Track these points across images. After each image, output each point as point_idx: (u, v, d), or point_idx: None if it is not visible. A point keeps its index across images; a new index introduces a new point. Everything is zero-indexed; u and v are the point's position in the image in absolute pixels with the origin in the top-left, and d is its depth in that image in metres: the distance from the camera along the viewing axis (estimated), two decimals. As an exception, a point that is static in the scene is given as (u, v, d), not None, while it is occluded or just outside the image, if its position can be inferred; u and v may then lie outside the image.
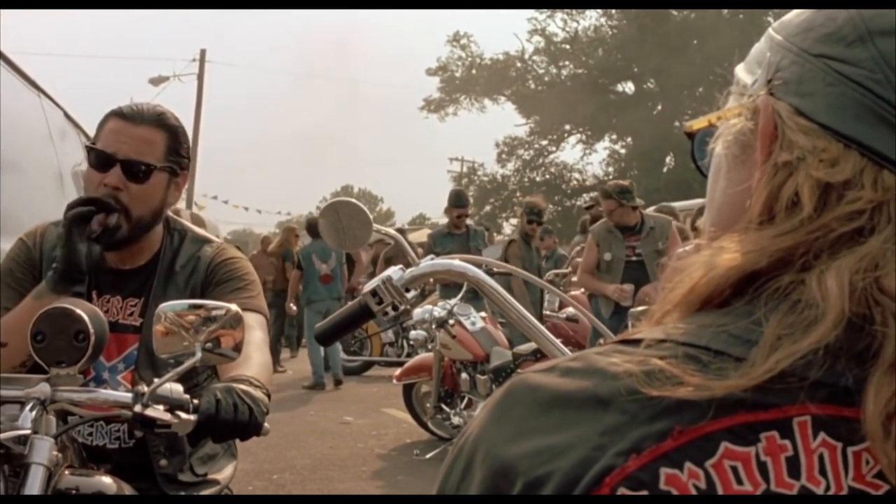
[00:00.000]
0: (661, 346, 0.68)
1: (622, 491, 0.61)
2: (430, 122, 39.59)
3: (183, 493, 2.19)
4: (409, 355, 10.74)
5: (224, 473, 2.33)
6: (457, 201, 9.16)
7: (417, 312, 6.81)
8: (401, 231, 14.77)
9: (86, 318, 1.64)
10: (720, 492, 0.61)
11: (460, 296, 6.88)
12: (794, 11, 0.78)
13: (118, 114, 2.18)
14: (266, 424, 1.72)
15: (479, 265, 1.71)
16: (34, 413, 1.59)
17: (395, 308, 1.64)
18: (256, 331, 2.07)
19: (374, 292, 1.63)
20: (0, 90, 3.95)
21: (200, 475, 2.26)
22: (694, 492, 0.61)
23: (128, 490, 1.80)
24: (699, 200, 12.00)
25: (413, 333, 7.29)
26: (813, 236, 0.68)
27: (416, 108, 40.02)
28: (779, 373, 0.63)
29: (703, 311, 0.72)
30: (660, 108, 36.40)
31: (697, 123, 0.87)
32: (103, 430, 2.19)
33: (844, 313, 0.64)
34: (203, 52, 29.54)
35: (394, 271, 1.64)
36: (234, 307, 1.72)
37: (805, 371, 0.63)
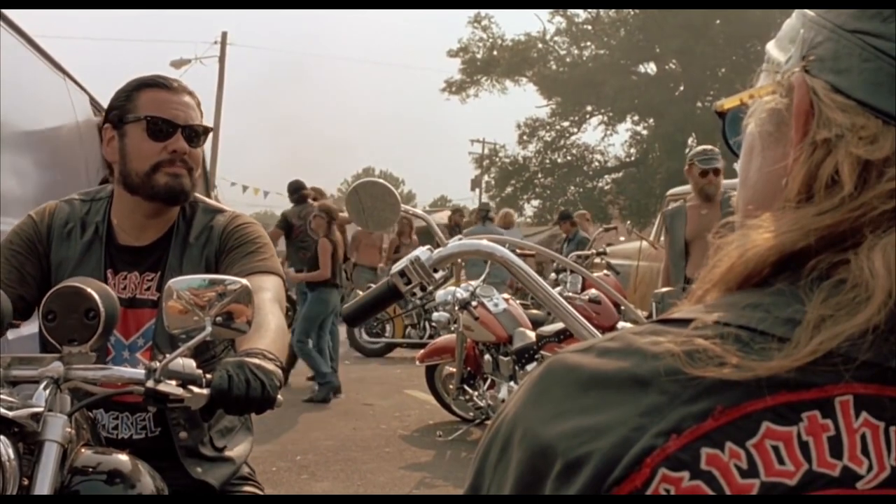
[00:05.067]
0: (704, 326, 0.67)
1: (663, 472, 0.61)
2: (452, 104, 39.48)
3: (200, 469, 2.20)
4: (431, 337, 10.76)
5: (241, 449, 2.34)
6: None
7: (440, 294, 6.80)
8: (456, 212, 14.69)
9: (95, 295, 1.65)
10: (762, 472, 0.60)
11: (482, 277, 6.88)
12: None
13: (154, 84, 2.24)
14: (279, 397, 1.72)
15: (503, 244, 1.71)
16: (48, 391, 1.60)
17: (423, 288, 1.63)
18: (270, 292, 2.09)
19: (402, 273, 1.63)
20: (28, 75, 3.97)
21: (219, 448, 2.27)
22: (735, 472, 0.60)
23: (144, 469, 1.80)
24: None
25: (436, 315, 7.28)
26: (854, 215, 0.67)
27: (438, 90, 39.95)
28: (823, 354, 0.62)
29: (742, 290, 0.71)
30: (682, 89, 36.12)
31: (729, 102, 0.86)
32: (129, 421, 2.20)
33: (892, 294, 0.63)
34: (224, 35, 29.56)
35: (421, 252, 1.64)
36: (243, 281, 1.72)
37: (850, 351, 0.62)
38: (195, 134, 2.23)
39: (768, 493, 0.60)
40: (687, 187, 9.84)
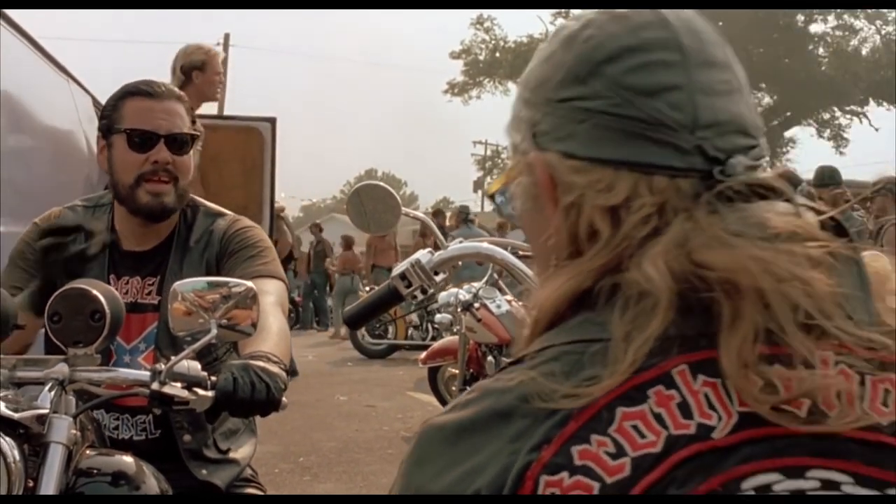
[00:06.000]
0: (542, 353, 0.76)
1: (544, 478, 0.68)
2: (454, 106, 39.40)
3: (205, 471, 2.21)
4: (433, 338, 10.75)
5: (245, 451, 2.35)
6: (818, 179, 7.20)
7: (443, 296, 6.77)
8: (437, 214, 14.76)
9: (101, 297, 1.65)
10: (628, 449, 0.68)
11: (485, 279, 6.87)
12: (529, 66, 0.88)
13: (137, 92, 2.20)
14: (284, 399, 1.73)
15: (505, 247, 1.72)
16: (53, 393, 1.60)
17: (423, 291, 1.64)
18: (272, 296, 2.08)
19: (402, 275, 1.64)
20: (32, 76, 3.98)
21: (223, 451, 2.27)
22: (606, 457, 0.68)
23: (149, 470, 1.81)
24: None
25: (438, 317, 7.27)
26: (619, 249, 0.78)
27: (440, 92, 39.89)
28: (642, 357, 0.71)
29: (554, 329, 0.80)
30: (684, 90, 36.08)
31: (493, 186, 0.99)
32: (129, 423, 2.20)
33: (673, 290, 0.72)
34: (227, 37, 29.52)
35: (422, 254, 1.65)
36: (248, 283, 1.73)
37: (668, 334, 0.72)
38: (181, 142, 2.19)
39: (640, 465, 0.67)
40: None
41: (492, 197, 1.00)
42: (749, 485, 0.66)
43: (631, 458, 0.68)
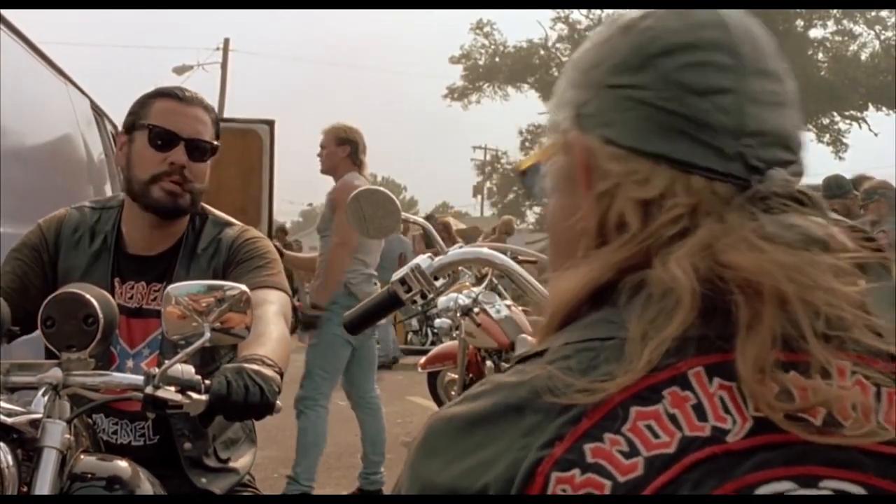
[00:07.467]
0: (558, 350, 0.75)
1: (555, 475, 0.67)
2: (454, 110, 39.34)
3: (205, 480, 2.21)
4: (433, 343, 10.74)
5: (245, 461, 2.35)
6: (826, 191, 7.02)
7: (442, 301, 6.77)
8: (429, 218, 14.81)
9: (94, 301, 1.64)
10: (642, 449, 0.68)
11: (484, 284, 6.86)
12: (582, 47, 0.88)
13: (168, 94, 2.22)
14: (278, 402, 1.72)
15: (504, 252, 1.71)
16: (47, 398, 1.60)
17: (423, 296, 1.64)
18: (275, 306, 2.08)
19: (402, 280, 1.63)
20: (30, 79, 3.97)
21: (223, 460, 2.27)
22: (619, 456, 0.67)
23: (144, 475, 1.80)
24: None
25: (438, 321, 7.27)
26: (646, 245, 0.77)
27: (440, 96, 39.93)
28: (658, 357, 0.70)
29: (571, 325, 0.79)
30: (684, 95, 36.12)
31: (525, 163, 1.02)
32: (128, 428, 2.20)
33: (696, 291, 0.71)
34: (227, 41, 29.59)
35: (422, 259, 1.64)
36: (243, 287, 1.72)
37: (684, 339, 0.71)
38: (200, 148, 2.21)
39: (653, 465, 0.67)
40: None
41: (523, 173, 0.99)
42: (763, 492, 0.66)
43: (644, 458, 0.67)
